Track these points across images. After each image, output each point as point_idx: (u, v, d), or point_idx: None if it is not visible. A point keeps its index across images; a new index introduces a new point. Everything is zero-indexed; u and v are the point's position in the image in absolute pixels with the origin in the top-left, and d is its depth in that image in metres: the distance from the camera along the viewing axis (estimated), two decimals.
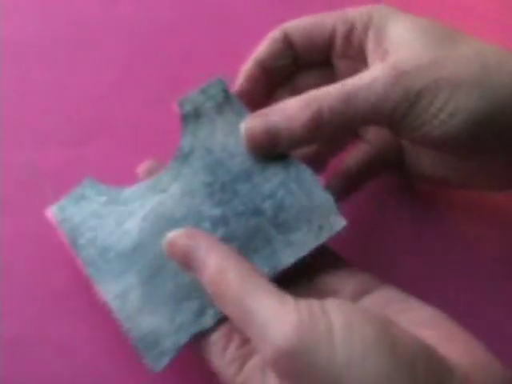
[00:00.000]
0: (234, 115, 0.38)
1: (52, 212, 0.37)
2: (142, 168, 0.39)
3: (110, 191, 0.37)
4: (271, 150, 0.36)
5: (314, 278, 0.35)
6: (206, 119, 0.38)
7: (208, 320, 0.33)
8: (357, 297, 0.33)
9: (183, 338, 0.33)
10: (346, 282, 0.34)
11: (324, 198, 0.36)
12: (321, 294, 0.32)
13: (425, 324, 0.30)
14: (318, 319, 0.26)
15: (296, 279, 0.35)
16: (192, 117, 0.38)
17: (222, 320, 0.33)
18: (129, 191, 0.37)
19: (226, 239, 0.35)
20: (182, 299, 0.34)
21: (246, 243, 0.35)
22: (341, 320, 0.26)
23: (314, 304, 0.27)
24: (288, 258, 0.34)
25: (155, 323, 0.33)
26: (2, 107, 0.49)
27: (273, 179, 0.36)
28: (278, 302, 0.27)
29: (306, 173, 0.36)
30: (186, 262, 0.31)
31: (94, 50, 0.52)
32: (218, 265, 0.30)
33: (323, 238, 0.35)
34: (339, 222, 0.35)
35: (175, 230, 0.32)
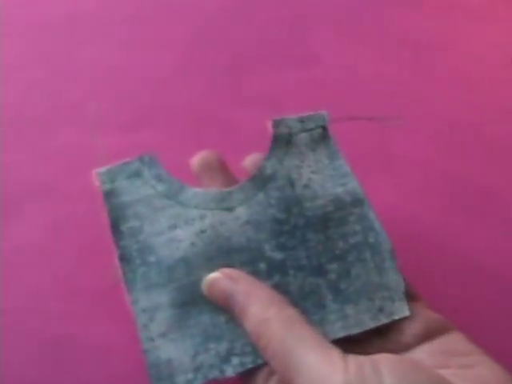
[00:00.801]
0: (326, 156, 0.35)
1: (99, 176, 0.34)
2: (196, 159, 0.36)
3: (171, 182, 0.34)
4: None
5: None
6: (297, 150, 0.35)
7: (229, 369, 0.30)
8: (420, 340, 0.31)
9: (199, 379, 0.30)
10: (412, 320, 0.31)
11: (395, 280, 0.32)
12: (383, 330, 0.31)
13: None
14: (367, 380, 0.24)
15: None
16: (283, 141, 0.35)
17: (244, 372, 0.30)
18: (192, 192, 0.33)
19: (277, 290, 0.31)
20: (212, 338, 0.31)
21: (296, 301, 0.31)
22: (394, 382, 0.24)
23: (364, 362, 0.25)
24: (336, 331, 0.31)
25: (175, 354, 0.30)
26: (55, 87, 0.46)
27: (349, 239, 0.33)
28: (325, 360, 0.25)
29: (386, 245, 0.33)
30: (227, 305, 0.30)
31: (156, 30, 0.50)
32: (259, 314, 0.28)
33: (380, 322, 0.31)
34: (403, 311, 0.31)
35: (216, 272, 0.30)
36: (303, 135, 0.35)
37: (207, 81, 0.47)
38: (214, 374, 0.30)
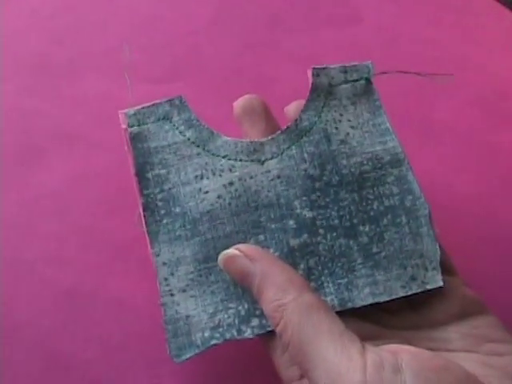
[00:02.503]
0: (367, 111, 0.32)
1: (126, 117, 0.32)
2: (239, 102, 0.34)
3: (200, 128, 0.32)
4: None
5: None
6: (337, 102, 0.32)
7: (248, 330, 0.29)
8: (452, 318, 0.29)
9: (216, 339, 0.29)
10: (447, 296, 0.30)
11: (431, 248, 0.30)
12: (416, 306, 0.30)
13: None
14: (386, 381, 0.22)
15: None
16: (323, 92, 0.32)
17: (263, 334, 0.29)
18: (222, 141, 0.32)
19: (305, 250, 0.30)
20: (233, 297, 0.29)
21: (324, 263, 0.30)
22: None
23: (384, 360, 0.23)
24: (364, 298, 0.29)
25: (193, 311, 0.29)
26: (84, 34, 0.44)
27: (384, 200, 0.31)
28: (342, 355, 0.23)
29: (424, 211, 0.31)
30: (243, 284, 0.28)
31: None
32: (275, 299, 0.26)
33: (411, 291, 0.30)
34: (435, 281, 0.30)
35: (232, 248, 0.28)
36: (345, 86, 0.33)
37: (243, 35, 0.45)
38: (232, 334, 0.29)
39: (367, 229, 0.30)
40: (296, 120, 0.32)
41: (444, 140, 0.41)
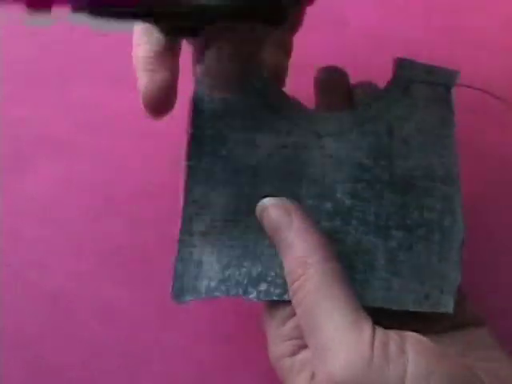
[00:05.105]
0: (437, 119, 0.31)
1: None
2: (321, 74, 0.34)
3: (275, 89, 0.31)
4: None
5: None
6: (411, 101, 0.31)
7: (254, 293, 0.29)
8: (447, 329, 0.29)
9: (220, 291, 0.29)
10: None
11: (453, 274, 0.30)
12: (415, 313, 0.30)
13: None
14: (391, 360, 0.23)
15: None
16: (400, 87, 0.31)
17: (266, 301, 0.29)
18: (287, 103, 0.31)
19: (333, 235, 0.29)
20: (249, 256, 0.29)
21: (347, 254, 0.29)
22: (418, 368, 0.23)
23: (392, 339, 0.24)
24: (374, 299, 0.29)
25: (207, 258, 0.29)
26: (71, 43, 0.43)
27: (425, 212, 0.30)
28: (354, 326, 0.24)
29: (458, 236, 0.30)
30: (273, 236, 0.28)
31: None
32: (301, 256, 0.26)
33: (420, 308, 0.29)
34: (447, 306, 0.29)
35: (274, 198, 0.28)
36: (423, 87, 0.31)
37: None
38: (238, 291, 0.29)
39: (400, 234, 0.30)
40: (366, 105, 0.31)
41: None
